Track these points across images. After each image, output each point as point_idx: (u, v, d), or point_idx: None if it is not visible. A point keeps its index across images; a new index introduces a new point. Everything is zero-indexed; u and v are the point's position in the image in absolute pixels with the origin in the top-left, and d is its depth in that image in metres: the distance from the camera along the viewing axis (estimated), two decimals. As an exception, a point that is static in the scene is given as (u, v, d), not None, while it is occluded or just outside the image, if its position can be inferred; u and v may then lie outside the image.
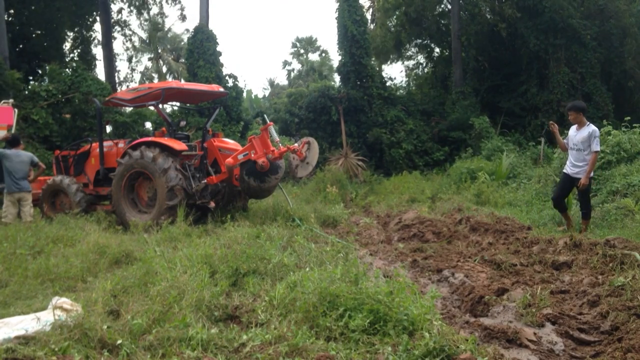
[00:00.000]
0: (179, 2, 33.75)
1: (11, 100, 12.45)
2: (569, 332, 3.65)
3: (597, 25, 20.14)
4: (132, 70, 28.20)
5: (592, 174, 6.82)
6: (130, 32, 27.77)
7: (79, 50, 23.73)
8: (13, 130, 10.93)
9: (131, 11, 26.09)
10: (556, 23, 19.57)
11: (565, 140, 7.06)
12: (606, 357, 3.25)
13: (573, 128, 6.94)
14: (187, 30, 50.73)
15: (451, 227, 7.96)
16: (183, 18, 42.93)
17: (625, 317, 3.64)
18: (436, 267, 5.74)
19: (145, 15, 27.57)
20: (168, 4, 30.42)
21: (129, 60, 28.69)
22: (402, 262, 6.09)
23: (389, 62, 28.06)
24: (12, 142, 8.74)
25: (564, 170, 7.02)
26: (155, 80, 38.93)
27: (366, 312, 3.35)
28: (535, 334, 3.61)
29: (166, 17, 36.08)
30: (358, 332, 3.22)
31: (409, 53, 28.40)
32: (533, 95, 20.26)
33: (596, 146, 6.59)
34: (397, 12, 25.79)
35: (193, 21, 75.13)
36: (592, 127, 6.66)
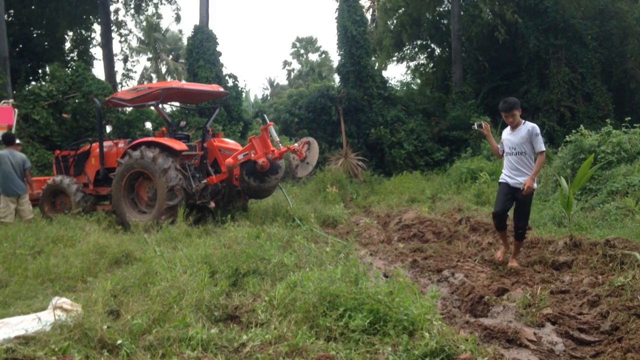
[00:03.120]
0: (175, 2, 33.38)
1: (11, 100, 12.47)
2: (569, 332, 3.65)
3: (598, 25, 20.15)
4: (128, 71, 27.98)
5: (535, 184, 5.49)
6: (127, 32, 27.69)
7: (78, 50, 23.72)
8: (13, 130, 10.92)
9: (127, 11, 26.01)
10: (557, 23, 19.57)
11: (498, 146, 5.93)
12: (606, 357, 3.24)
13: (507, 130, 5.84)
14: (180, 31, 50.76)
15: (451, 227, 7.96)
16: (178, 18, 42.86)
17: (625, 317, 3.64)
18: (436, 267, 5.74)
19: (144, 15, 27.50)
20: (163, 4, 30.22)
21: (124, 60, 28.47)
22: (402, 262, 6.09)
23: (394, 62, 28.04)
24: (7, 140, 8.54)
25: (501, 180, 5.80)
26: (154, 80, 38.94)
27: (366, 312, 3.35)
28: (535, 334, 3.60)
29: (161, 18, 35.96)
30: (358, 332, 3.22)
31: (411, 53, 28.42)
32: (533, 96, 20.26)
33: (541, 145, 5.52)
34: (397, 13, 25.79)
35: (191, 21, 75.25)
36: (529, 124, 5.61)
